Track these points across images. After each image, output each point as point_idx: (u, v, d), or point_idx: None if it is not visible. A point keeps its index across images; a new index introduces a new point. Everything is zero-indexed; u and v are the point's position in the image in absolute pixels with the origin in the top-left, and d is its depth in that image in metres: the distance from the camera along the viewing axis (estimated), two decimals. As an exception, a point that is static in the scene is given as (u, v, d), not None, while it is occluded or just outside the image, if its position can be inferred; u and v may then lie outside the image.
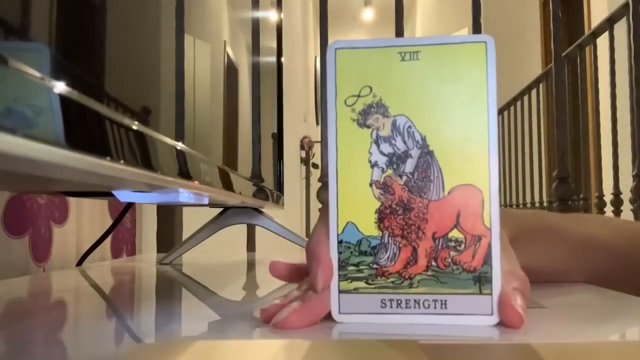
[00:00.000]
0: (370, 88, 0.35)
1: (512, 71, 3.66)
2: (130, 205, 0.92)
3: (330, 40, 0.60)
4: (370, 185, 0.35)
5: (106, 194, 0.55)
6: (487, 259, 0.34)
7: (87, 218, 0.94)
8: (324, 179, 1.30)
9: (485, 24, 1.33)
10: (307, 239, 0.39)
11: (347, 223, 0.35)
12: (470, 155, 0.34)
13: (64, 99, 0.24)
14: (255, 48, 0.88)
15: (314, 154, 4.32)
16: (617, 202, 1.99)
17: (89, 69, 0.30)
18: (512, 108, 3.51)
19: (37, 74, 0.23)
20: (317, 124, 5.42)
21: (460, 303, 0.34)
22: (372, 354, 0.28)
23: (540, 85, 3.06)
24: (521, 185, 3.37)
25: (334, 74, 0.35)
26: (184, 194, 0.45)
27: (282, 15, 1.15)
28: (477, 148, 0.34)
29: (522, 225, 0.50)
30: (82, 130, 0.26)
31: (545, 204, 2.85)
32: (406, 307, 0.34)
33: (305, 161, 4.38)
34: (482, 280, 0.34)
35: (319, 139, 1.91)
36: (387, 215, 0.35)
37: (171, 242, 1.34)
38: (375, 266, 0.35)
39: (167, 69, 0.43)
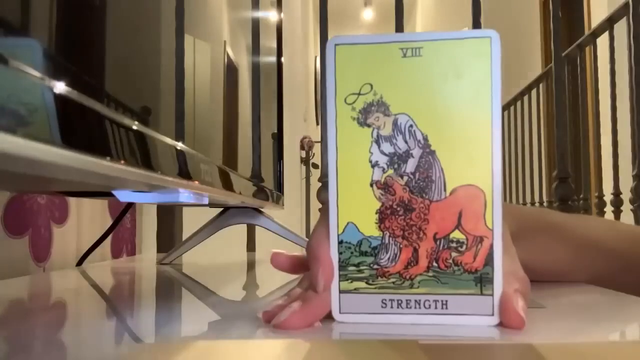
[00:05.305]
0: (371, 86, 0.34)
1: (512, 71, 3.65)
2: (130, 205, 0.92)
3: (330, 40, 0.59)
4: (371, 185, 0.35)
5: (106, 194, 0.55)
6: (489, 260, 0.34)
7: (87, 218, 0.94)
8: (324, 179, 1.29)
9: (485, 24, 1.33)
10: (307, 239, 0.39)
11: (348, 223, 0.35)
12: (473, 155, 0.34)
13: (63, 98, 0.24)
14: (255, 48, 0.88)
15: (314, 154, 4.32)
16: (617, 202, 1.99)
17: (89, 69, 0.30)
18: (512, 108, 3.50)
19: (37, 74, 0.22)
20: (317, 124, 5.42)
21: (461, 303, 0.34)
22: (373, 354, 0.28)
23: (540, 85, 3.05)
24: (521, 185, 3.37)
25: (333, 71, 0.35)
26: (184, 194, 0.45)
27: (282, 15, 1.14)
28: (480, 148, 0.34)
29: (524, 221, 0.49)
30: (82, 130, 0.26)
31: (545, 204, 2.85)
32: (407, 307, 0.34)
33: (305, 161, 4.37)
34: (483, 281, 0.34)
35: (319, 139, 1.91)
36: (388, 216, 0.34)
37: (171, 242, 1.34)
38: (375, 267, 0.35)
39: (167, 69, 0.43)
